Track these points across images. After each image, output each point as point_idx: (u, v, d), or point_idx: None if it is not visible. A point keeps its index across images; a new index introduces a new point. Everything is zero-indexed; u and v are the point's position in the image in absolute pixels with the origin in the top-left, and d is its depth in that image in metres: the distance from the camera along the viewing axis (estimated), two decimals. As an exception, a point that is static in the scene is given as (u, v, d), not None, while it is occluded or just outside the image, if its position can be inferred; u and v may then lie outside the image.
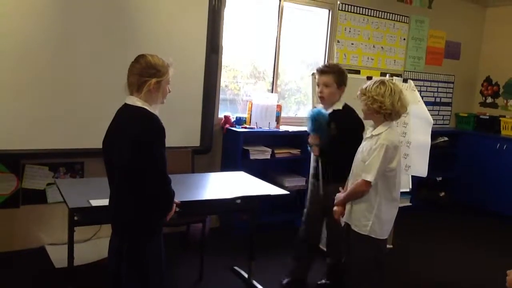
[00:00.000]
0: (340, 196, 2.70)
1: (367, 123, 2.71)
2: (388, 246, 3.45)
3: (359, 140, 2.79)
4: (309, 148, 3.12)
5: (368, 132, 2.65)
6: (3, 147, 3.30)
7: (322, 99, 3.08)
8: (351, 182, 2.63)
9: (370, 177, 2.46)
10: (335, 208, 2.72)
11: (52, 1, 3.36)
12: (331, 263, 3.29)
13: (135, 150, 1.96)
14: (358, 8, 5.07)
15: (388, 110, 2.47)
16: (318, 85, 3.09)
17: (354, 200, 2.59)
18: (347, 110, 3.08)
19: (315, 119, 2.96)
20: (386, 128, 2.51)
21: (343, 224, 2.69)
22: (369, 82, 2.57)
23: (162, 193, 2.05)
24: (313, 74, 3.69)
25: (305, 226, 3.26)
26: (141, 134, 1.97)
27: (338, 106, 3.06)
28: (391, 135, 2.51)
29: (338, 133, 2.95)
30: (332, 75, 3.01)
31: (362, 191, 2.52)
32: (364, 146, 2.59)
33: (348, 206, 2.65)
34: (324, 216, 3.13)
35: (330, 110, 3.04)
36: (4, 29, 3.21)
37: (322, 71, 3.07)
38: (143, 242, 2.07)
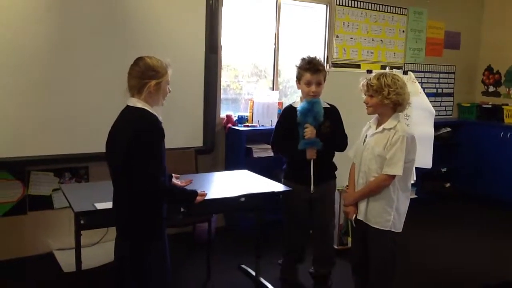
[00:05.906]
0: (352, 195, 2.65)
1: (367, 118, 2.66)
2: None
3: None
4: (304, 144, 2.91)
5: (370, 127, 2.61)
6: (8, 155, 3.33)
7: (313, 98, 2.93)
8: (363, 181, 2.58)
9: (396, 171, 2.42)
10: (347, 208, 2.68)
11: (51, 6, 3.37)
12: (323, 273, 3.21)
13: (131, 149, 1.96)
14: (356, 2, 5.06)
15: (406, 102, 2.51)
16: (308, 84, 2.92)
17: (371, 197, 2.55)
18: (336, 108, 3.05)
19: (316, 105, 2.88)
20: (398, 120, 2.51)
21: (354, 223, 2.66)
22: (376, 75, 2.51)
23: (158, 191, 2.05)
24: None
25: (291, 238, 3.19)
26: (138, 134, 1.98)
27: (325, 103, 3.00)
28: (405, 126, 2.54)
29: (330, 131, 2.94)
30: (323, 73, 2.93)
31: (384, 186, 2.49)
32: (372, 141, 2.53)
33: (362, 204, 2.59)
34: (313, 220, 3.09)
35: None
36: (4, 35, 3.23)
37: (317, 70, 2.90)
38: (145, 245, 2.08)
